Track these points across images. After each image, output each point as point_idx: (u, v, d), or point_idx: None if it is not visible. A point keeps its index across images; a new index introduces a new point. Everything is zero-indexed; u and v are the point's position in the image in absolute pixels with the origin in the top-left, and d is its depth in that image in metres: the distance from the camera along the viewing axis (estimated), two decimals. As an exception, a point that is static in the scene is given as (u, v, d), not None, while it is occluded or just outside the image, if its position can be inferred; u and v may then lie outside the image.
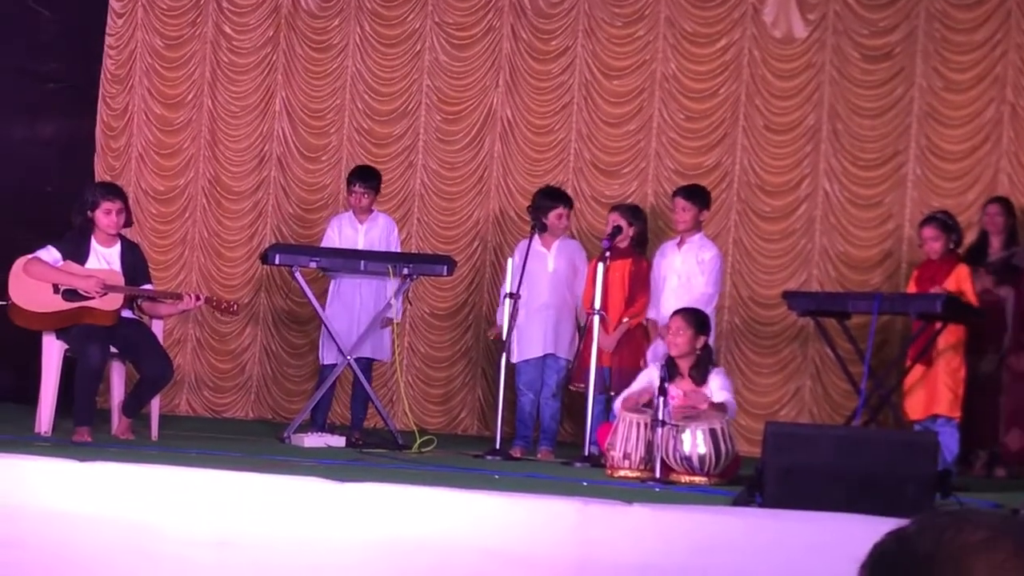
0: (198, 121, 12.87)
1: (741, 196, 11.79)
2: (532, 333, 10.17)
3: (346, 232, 10.56)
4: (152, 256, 11.84)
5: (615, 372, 9.82)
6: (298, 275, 10.20)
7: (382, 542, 6.74)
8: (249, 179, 12.78)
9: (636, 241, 10.15)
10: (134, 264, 9.43)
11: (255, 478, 7.28)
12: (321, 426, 10.29)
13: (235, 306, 9.98)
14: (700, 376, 8.98)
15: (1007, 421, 10.23)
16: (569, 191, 11.15)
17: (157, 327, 9.64)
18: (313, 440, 9.68)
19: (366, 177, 10.62)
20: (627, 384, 9.33)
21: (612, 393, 9.63)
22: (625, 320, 9.99)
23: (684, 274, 9.94)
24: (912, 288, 9.98)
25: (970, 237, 10.64)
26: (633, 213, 10.25)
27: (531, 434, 10.27)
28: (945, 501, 7.18)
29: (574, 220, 11.15)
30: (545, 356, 10.19)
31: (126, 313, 9.36)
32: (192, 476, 7.22)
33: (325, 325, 10.32)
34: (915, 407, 9.82)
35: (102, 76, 12.97)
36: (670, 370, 8.85)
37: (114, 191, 9.58)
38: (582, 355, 9.83)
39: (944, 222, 9.90)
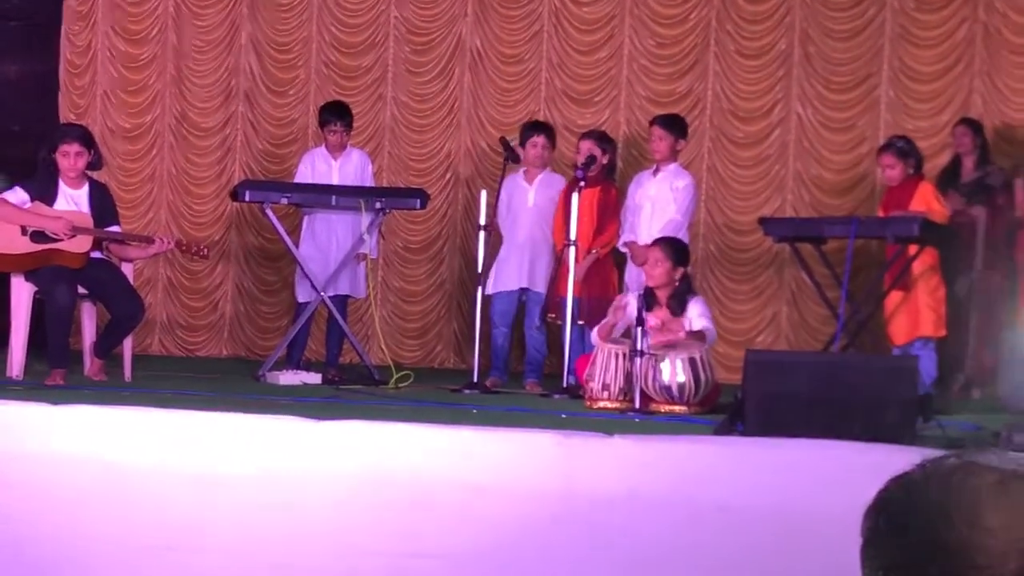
0: (163, 57, 12.71)
1: (714, 122, 11.72)
2: (510, 266, 10.13)
3: (319, 168, 10.46)
4: (120, 194, 11.73)
5: (585, 302, 9.77)
6: (269, 212, 10.11)
7: (360, 479, 6.70)
8: (216, 115, 12.65)
9: (607, 169, 10.10)
10: (102, 205, 9.32)
11: (230, 417, 7.23)
12: (296, 363, 10.23)
13: (205, 250, 9.89)
14: (678, 306, 8.95)
15: (980, 341, 10.24)
16: (547, 122, 11.06)
17: (127, 268, 9.55)
18: (289, 378, 9.63)
19: (342, 114, 10.50)
20: (598, 313, 9.30)
21: (582, 323, 9.59)
22: (595, 250, 9.94)
23: (659, 202, 9.90)
24: (881, 213, 9.95)
25: (945, 159, 10.61)
26: (605, 140, 10.20)
27: (504, 366, 10.24)
28: (926, 425, 7.16)
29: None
30: (523, 289, 10.15)
31: (95, 254, 9.26)
32: (166, 417, 7.16)
33: (298, 262, 10.24)
34: (898, 332, 9.80)
35: (64, 13, 12.80)
36: (648, 300, 8.81)
37: (74, 133, 9.41)
38: (556, 286, 9.79)
39: (899, 148, 9.84)
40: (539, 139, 10.19)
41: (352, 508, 6.37)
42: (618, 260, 10.16)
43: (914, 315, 9.72)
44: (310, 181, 10.37)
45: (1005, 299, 10.18)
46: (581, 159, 9.86)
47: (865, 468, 5.97)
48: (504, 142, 10.16)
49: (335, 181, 10.36)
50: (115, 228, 9.41)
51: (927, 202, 9.65)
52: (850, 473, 5.89)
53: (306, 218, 10.47)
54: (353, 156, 10.56)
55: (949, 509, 1.37)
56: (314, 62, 12.48)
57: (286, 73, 12.56)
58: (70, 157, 9.14)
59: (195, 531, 5.66)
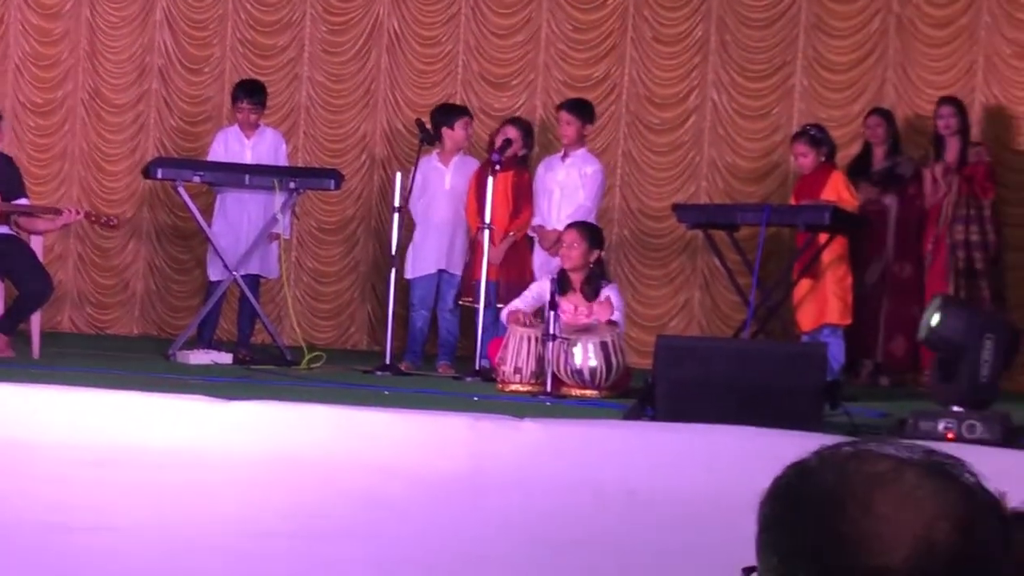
0: (76, 32, 12.56)
1: (630, 108, 11.75)
2: (427, 249, 10.13)
3: (233, 147, 10.39)
4: (31, 170, 11.59)
5: (502, 285, 9.79)
6: (181, 189, 10.04)
7: (269, 460, 6.68)
8: (130, 91, 12.52)
9: (522, 158, 10.14)
10: (8, 178, 9.21)
11: (139, 397, 7.18)
12: (208, 342, 10.16)
13: (115, 220, 9.80)
14: (592, 291, 8.98)
15: (890, 329, 10.35)
16: (458, 103, 11.06)
17: (36, 242, 9.45)
18: (199, 357, 9.57)
19: (252, 92, 10.42)
20: (515, 297, 9.31)
21: (500, 306, 9.61)
22: (511, 233, 9.95)
23: (567, 187, 9.94)
24: (793, 201, 10.03)
25: (856, 148, 10.70)
26: (528, 131, 10.26)
27: (420, 349, 10.24)
28: (834, 411, 7.22)
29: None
30: (440, 272, 10.15)
31: (3, 229, 9.15)
32: (73, 396, 7.10)
33: (210, 241, 10.17)
34: (805, 319, 9.90)
35: (-25, -14, 12.62)
36: (561, 284, 8.83)
37: None
38: (471, 269, 9.79)
39: (813, 136, 9.94)
40: (469, 121, 10.21)
41: (260, 488, 6.35)
42: (532, 244, 10.18)
43: (821, 303, 9.81)
44: (223, 159, 10.30)
45: (914, 288, 10.29)
46: (498, 142, 9.86)
47: (772, 453, 6.01)
48: (420, 124, 10.14)
49: (248, 160, 10.30)
50: (23, 201, 9.29)
51: (838, 191, 9.74)
52: (757, 458, 5.93)
53: (218, 196, 10.40)
54: (267, 135, 10.50)
55: (843, 496, 1.38)
56: (229, 40, 12.38)
57: (201, 51, 12.45)
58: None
59: (99, 511, 5.61)
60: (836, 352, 9.49)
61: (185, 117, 12.42)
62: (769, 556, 1.41)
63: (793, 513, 1.39)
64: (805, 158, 9.88)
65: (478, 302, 9.70)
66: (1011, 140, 10.85)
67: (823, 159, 9.87)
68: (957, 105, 10.29)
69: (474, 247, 9.82)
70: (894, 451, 1.41)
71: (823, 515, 1.37)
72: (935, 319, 6.89)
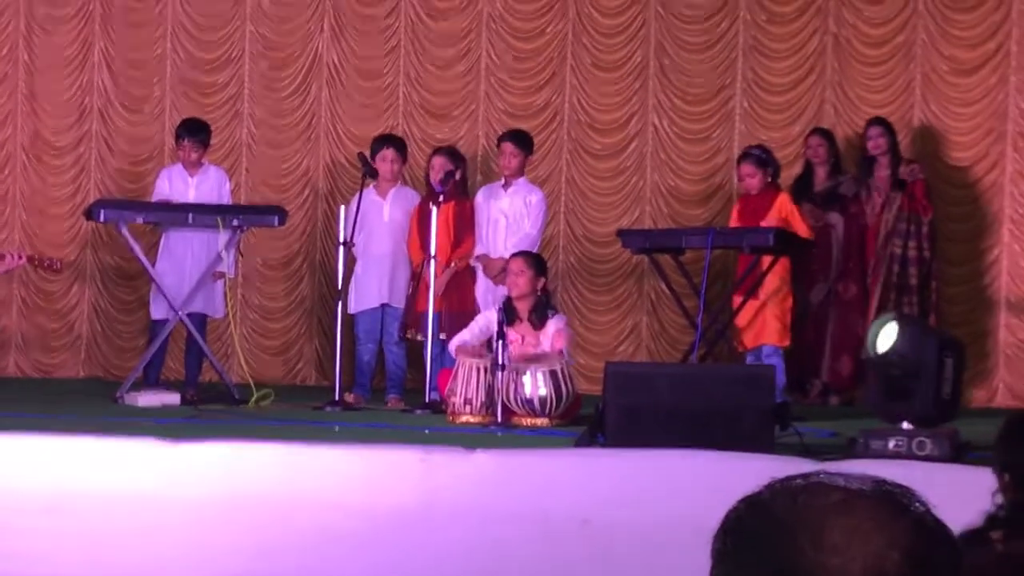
0: (14, 75, 12.49)
1: (572, 135, 11.78)
2: (369, 283, 10.11)
3: (176, 185, 10.34)
4: (-28, 216, 11.51)
5: (445, 315, 9.78)
6: (124, 231, 9.98)
7: (220, 500, 6.64)
8: (70, 133, 12.45)
9: (460, 184, 10.14)
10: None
11: (88, 441, 7.13)
12: (154, 383, 10.09)
13: (58, 263, 9.76)
14: (539, 319, 8.98)
15: (836, 348, 10.40)
16: (399, 135, 11.06)
17: (-21, 289, 9.37)
18: (148, 399, 9.50)
19: (194, 131, 10.38)
20: (458, 327, 9.30)
21: (443, 336, 9.59)
22: (453, 264, 9.96)
23: (513, 215, 9.96)
24: (735, 222, 10.07)
25: (798, 169, 10.76)
26: (456, 156, 10.28)
27: (369, 383, 10.21)
28: (784, 432, 7.25)
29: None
30: (383, 305, 10.13)
31: (-55, 277, 9.08)
32: (20, 442, 7.04)
33: (154, 280, 10.12)
34: (746, 338, 9.93)
35: (-89, 31, 12.53)
36: (508, 314, 8.83)
37: None
38: (415, 301, 9.78)
39: (759, 157, 9.99)
40: (388, 152, 10.19)
41: (213, 530, 6.31)
42: (474, 274, 10.18)
43: (761, 323, 9.85)
44: (167, 197, 10.25)
45: (860, 307, 10.35)
46: (437, 174, 9.87)
47: (725, 476, 6.04)
48: (362, 157, 10.13)
49: (192, 198, 10.25)
50: (-35, 249, 9.22)
51: (783, 212, 9.78)
52: (709, 481, 5.95)
53: (163, 235, 10.35)
54: (210, 173, 10.46)
55: (794, 528, 1.39)
56: (169, 79, 12.34)
57: (140, 90, 12.40)
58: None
59: (50, 559, 5.56)
60: (778, 373, 9.53)
61: (127, 158, 12.35)
62: (723, 589, 1.41)
63: (745, 546, 1.40)
64: (752, 179, 9.92)
65: (423, 334, 9.69)
66: (949, 155, 10.94)
67: (769, 180, 9.93)
68: (885, 125, 10.40)
69: (417, 279, 9.81)
70: (844, 482, 1.42)
71: (775, 547, 1.37)
72: (891, 337, 6.89)
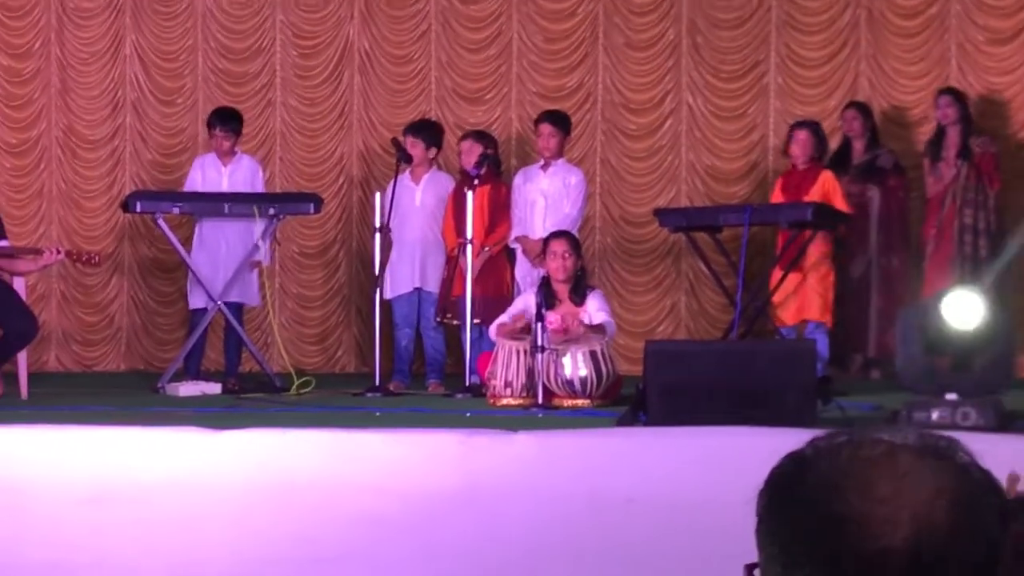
0: (47, 70, 12.52)
1: (606, 115, 11.74)
2: (402, 268, 10.12)
3: (210, 174, 10.36)
4: (9, 211, 11.55)
5: (480, 299, 9.77)
6: (161, 222, 10.01)
7: (263, 487, 6.65)
8: (104, 127, 12.48)
9: (494, 167, 10.13)
10: (-14, 221, 9.18)
11: (131, 432, 7.15)
12: (195, 374, 10.12)
13: (96, 257, 9.77)
14: (579, 298, 8.97)
15: (883, 322, 10.33)
16: (433, 121, 11.04)
17: (19, 283, 9.41)
18: (188, 388, 9.53)
19: (226, 119, 10.39)
20: (494, 311, 9.30)
21: (477, 320, 9.58)
22: (487, 248, 9.95)
23: (552, 196, 9.94)
24: (778, 197, 10.02)
25: (835, 143, 10.70)
26: (485, 138, 10.26)
27: (408, 369, 10.21)
28: (827, 407, 7.21)
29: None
30: (417, 290, 10.13)
31: (-16, 272, 9.11)
32: (65, 434, 7.06)
33: (191, 271, 10.14)
34: (787, 314, 9.89)
35: (-56, 30, 12.58)
36: (547, 296, 8.81)
37: None
38: (450, 286, 9.77)
39: (815, 128, 9.96)
40: (413, 138, 10.14)
41: (256, 517, 6.31)
42: (508, 257, 10.17)
43: (803, 298, 9.81)
44: (200, 187, 10.27)
45: (905, 280, 10.30)
46: (470, 159, 9.86)
47: (767, 452, 5.99)
48: (396, 143, 10.12)
49: (225, 188, 10.26)
50: (3, 243, 9.26)
51: (826, 189, 9.74)
52: (752, 458, 5.91)
53: (197, 225, 10.37)
54: (243, 162, 10.47)
55: (840, 481, 1.38)
56: (201, 70, 12.35)
57: (173, 82, 12.42)
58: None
59: (96, 548, 5.58)
60: (821, 348, 9.48)
61: (160, 149, 12.38)
62: (770, 546, 1.40)
63: (791, 501, 1.39)
64: (804, 147, 9.85)
65: (459, 319, 9.68)
66: (988, 127, 10.84)
67: (816, 155, 9.89)
68: (955, 95, 10.31)
69: (452, 264, 9.80)
70: (887, 435, 1.42)
71: (821, 501, 1.37)
72: (973, 309, 6.83)
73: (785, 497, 1.40)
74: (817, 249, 9.76)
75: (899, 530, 1.34)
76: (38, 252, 9.41)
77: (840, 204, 9.71)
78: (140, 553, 5.48)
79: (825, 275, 9.88)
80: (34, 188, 12.50)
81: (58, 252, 9.36)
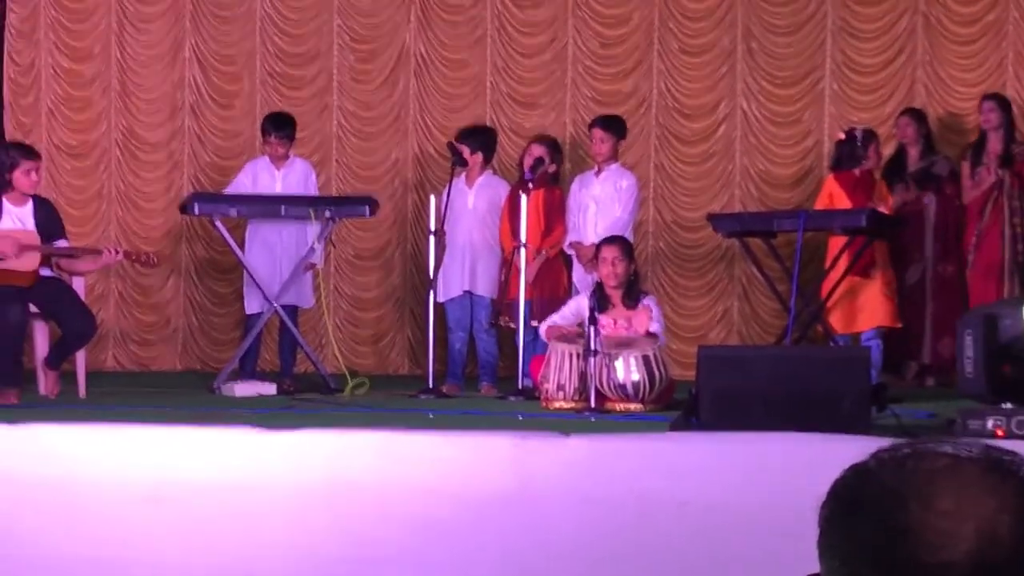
0: (107, 73, 12.64)
1: (660, 120, 11.75)
2: (453, 271, 10.16)
3: (262, 178, 10.41)
4: (69, 212, 11.66)
5: (537, 302, 9.81)
6: (219, 224, 10.08)
7: (317, 488, 6.69)
8: (163, 129, 12.59)
9: (552, 176, 10.17)
10: (48, 221, 9.27)
11: (187, 431, 7.20)
12: (251, 374, 10.19)
13: (155, 258, 9.86)
14: (632, 302, 8.98)
15: (938, 329, 10.29)
16: (485, 126, 11.09)
17: (78, 283, 9.50)
18: (244, 389, 9.60)
19: (280, 125, 10.44)
20: (550, 314, 9.30)
21: (534, 323, 9.62)
22: (543, 251, 9.98)
23: (603, 201, 9.96)
24: (825, 200, 10.01)
25: (890, 150, 10.67)
26: (555, 147, 10.30)
27: (461, 372, 10.25)
28: (881, 414, 7.20)
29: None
30: (468, 294, 10.17)
31: (45, 272, 9.20)
32: (122, 433, 7.13)
33: (248, 273, 10.20)
34: (844, 322, 9.86)
35: (6, 32, 12.71)
36: (600, 301, 8.83)
37: (31, 151, 9.48)
38: (507, 289, 9.80)
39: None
40: (461, 146, 10.18)
41: (309, 517, 6.36)
42: (565, 261, 10.20)
43: (869, 304, 9.78)
44: (250, 191, 10.33)
45: (960, 287, 10.26)
46: (530, 161, 9.89)
47: (821, 459, 6.00)
48: (451, 147, 10.17)
49: (278, 191, 10.32)
50: (62, 243, 9.36)
51: (883, 198, 9.74)
52: (806, 465, 5.91)
53: (250, 227, 10.42)
54: (296, 165, 10.52)
55: (903, 493, 1.39)
56: (259, 73, 12.44)
57: (231, 85, 12.51)
58: (32, 174, 9.17)
59: (152, 546, 5.64)
60: (875, 355, 9.46)
61: (218, 152, 12.48)
62: (831, 558, 1.42)
63: (854, 513, 1.40)
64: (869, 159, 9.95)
65: (514, 322, 9.72)
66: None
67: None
68: (999, 100, 10.26)
69: (508, 267, 9.83)
70: (951, 448, 1.42)
71: (884, 513, 1.38)
72: None
73: (847, 508, 1.41)
74: (880, 253, 9.75)
75: (961, 544, 1.35)
76: (97, 252, 9.50)
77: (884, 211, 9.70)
78: (194, 552, 5.54)
79: (891, 279, 9.89)
80: (93, 189, 12.62)
81: (117, 252, 9.45)
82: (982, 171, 10.17)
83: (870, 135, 10.04)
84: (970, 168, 10.26)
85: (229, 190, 10.52)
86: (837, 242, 9.78)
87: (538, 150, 10.03)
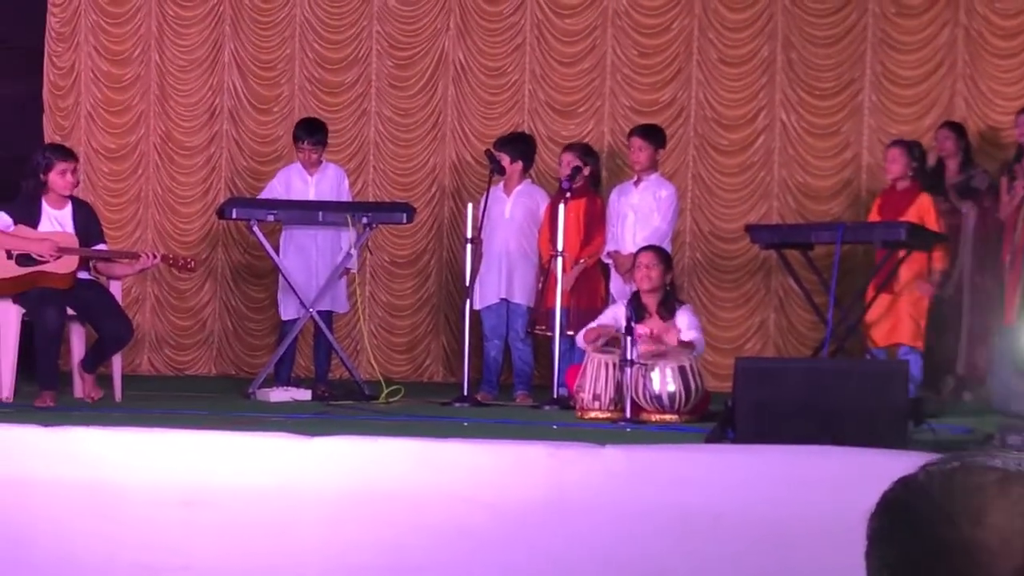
0: (146, 77, 12.69)
1: (698, 131, 11.73)
2: (489, 279, 10.16)
3: (295, 184, 10.43)
4: (106, 215, 11.71)
5: (573, 312, 9.79)
6: (256, 229, 10.09)
7: (352, 495, 6.69)
8: (201, 134, 12.62)
9: (591, 180, 10.15)
10: (87, 224, 9.30)
11: (222, 436, 7.21)
12: (286, 380, 10.20)
13: (192, 263, 9.88)
14: (668, 312, 8.96)
15: (973, 341, 10.24)
16: (525, 133, 11.09)
17: (115, 287, 9.53)
18: (279, 395, 9.60)
19: (312, 131, 10.44)
20: (587, 323, 9.29)
21: (571, 333, 9.61)
22: (582, 260, 9.97)
23: (642, 211, 9.95)
24: (874, 217, 9.97)
25: (929, 163, 10.62)
26: (587, 152, 10.28)
27: (496, 380, 10.24)
28: (918, 429, 7.16)
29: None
30: (504, 302, 10.17)
31: (82, 275, 9.24)
32: (158, 437, 7.14)
33: (285, 278, 10.21)
34: (879, 335, 9.82)
35: (47, 35, 12.78)
36: (636, 310, 8.81)
37: (67, 152, 9.49)
38: (543, 297, 9.79)
39: (909, 146, 9.91)
40: (498, 153, 10.18)
41: (344, 524, 6.36)
42: (603, 271, 10.19)
43: (895, 321, 9.74)
44: (281, 195, 10.35)
45: (997, 301, 10.20)
46: (565, 171, 9.88)
47: (858, 473, 5.97)
48: (489, 154, 10.16)
49: (311, 197, 10.34)
50: (101, 246, 9.39)
51: (921, 213, 9.67)
52: (843, 478, 5.89)
53: (285, 233, 10.43)
54: (329, 171, 10.53)
55: (952, 508, 1.38)
56: (297, 79, 12.47)
57: (270, 90, 12.54)
58: (67, 175, 9.19)
59: (187, 551, 5.64)
60: (914, 368, 9.41)
61: (256, 157, 12.51)
62: (879, 570, 1.41)
63: (903, 526, 1.39)
64: (895, 164, 9.83)
65: (551, 330, 9.70)
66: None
67: (911, 173, 9.83)
68: None
69: (546, 275, 9.81)
70: (1000, 463, 1.41)
71: (933, 527, 1.37)
72: None
73: (896, 522, 1.40)
74: (911, 270, 9.70)
75: (1010, 560, 1.34)
76: (135, 256, 9.53)
77: (932, 226, 9.64)
78: (229, 557, 5.54)
79: (919, 299, 9.80)
80: (131, 193, 12.67)
81: (154, 256, 9.47)
82: (1016, 185, 10.10)
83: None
84: (1008, 183, 10.19)
85: (263, 196, 10.54)
86: (881, 255, 9.74)
87: (570, 159, 10.01)
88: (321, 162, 10.50)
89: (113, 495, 6.69)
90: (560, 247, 9.56)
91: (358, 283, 10.39)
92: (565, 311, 9.71)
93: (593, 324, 9.08)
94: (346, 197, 10.52)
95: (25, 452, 6.98)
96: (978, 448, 6.76)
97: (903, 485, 1.43)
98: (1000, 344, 7.28)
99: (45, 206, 9.19)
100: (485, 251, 10.11)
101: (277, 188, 10.47)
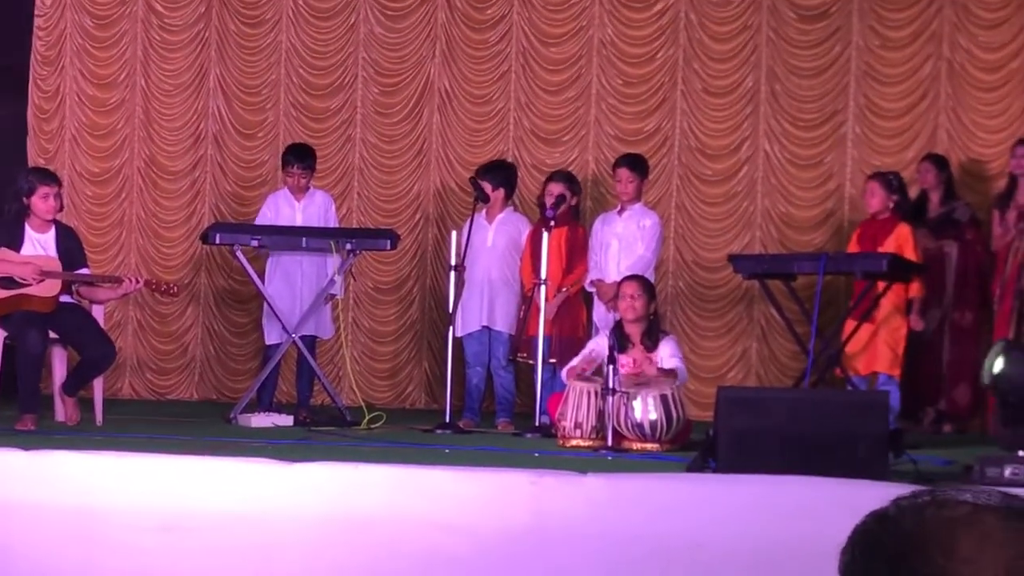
0: (131, 101, 12.70)
1: (682, 160, 11.76)
2: (471, 307, 10.16)
3: (283, 210, 10.44)
4: (89, 239, 11.70)
5: (556, 340, 9.80)
6: (239, 254, 10.09)
7: (333, 521, 6.68)
8: (185, 158, 12.63)
9: (573, 210, 10.18)
10: (69, 248, 9.30)
11: (203, 461, 7.19)
12: (268, 405, 10.19)
13: (175, 288, 9.88)
14: (652, 343, 8.97)
15: (954, 376, 10.26)
16: (509, 160, 11.12)
17: (98, 310, 9.52)
18: (260, 420, 9.59)
19: (302, 156, 10.47)
20: (568, 352, 9.33)
21: (553, 361, 9.61)
22: (564, 289, 9.98)
23: (626, 239, 9.97)
24: (854, 247, 10.00)
25: (912, 195, 10.66)
26: (573, 183, 10.29)
27: (478, 407, 10.24)
28: (898, 460, 7.17)
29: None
30: (486, 329, 10.18)
31: (65, 298, 9.23)
32: (138, 462, 7.12)
33: (268, 303, 10.22)
34: (859, 364, 9.84)
35: (32, 58, 12.79)
36: (619, 338, 8.82)
37: (50, 176, 9.49)
38: (526, 325, 9.80)
39: (888, 180, 9.94)
40: (492, 185, 10.21)
41: (325, 550, 6.35)
42: (585, 299, 10.20)
43: (873, 350, 9.77)
44: (271, 223, 10.36)
45: (978, 335, 10.22)
46: (550, 200, 9.90)
47: (837, 503, 5.99)
48: (473, 182, 10.19)
49: (299, 222, 10.35)
50: (84, 270, 9.38)
51: (900, 244, 9.70)
52: (822, 508, 5.90)
53: (271, 258, 10.44)
54: (316, 197, 10.54)
55: (924, 541, 1.39)
56: (283, 104, 12.49)
57: (255, 115, 12.56)
58: (49, 199, 9.18)
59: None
60: (892, 400, 9.43)
61: (240, 182, 12.52)
62: (851, 604, 1.41)
63: (875, 560, 1.40)
64: (874, 197, 9.87)
65: (533, 358, 9.71)
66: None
67: (891, 205, 9.86)
68: None
69: (528, 303, 9.83)
70: (971, 496, 1.43)
71: (905, 560, 1.38)
72: (998, 364, 6.82)
73: (868, 555, 1.42)
74: (890, 301, 9.72)
75: None
76: (118, 280, 9.52)
77: (911, 256, 9.67)
78: (211, 582, 5.52)
79: (897, 328, 9.83)
80: (114, 217, 12.67)
81: (137, 281, 9.46)
82: (1009, 217, 10.13)
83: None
84: (999, 215, 10.22)
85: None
86: (861, 285, 9.76)
87: (557, 188, 10.04)
88: (309, 188, 10.51)
89: (93, 519, 6.67)
90: (543, 275, 9.57)
91: (340, 309, 10.39)
92: (548, 339, 9.72)
93: (575, 361, 9.09)
94: (333, 223, 10.52)
95: (5, 475, 6.96)
96: (957, 480, 6.79)
97: (875, 519, 1.45)
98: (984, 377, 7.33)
99: (28, 230, 9.18)
100: (468, 278, 10.12)
101: (268, 215, 10.47)
